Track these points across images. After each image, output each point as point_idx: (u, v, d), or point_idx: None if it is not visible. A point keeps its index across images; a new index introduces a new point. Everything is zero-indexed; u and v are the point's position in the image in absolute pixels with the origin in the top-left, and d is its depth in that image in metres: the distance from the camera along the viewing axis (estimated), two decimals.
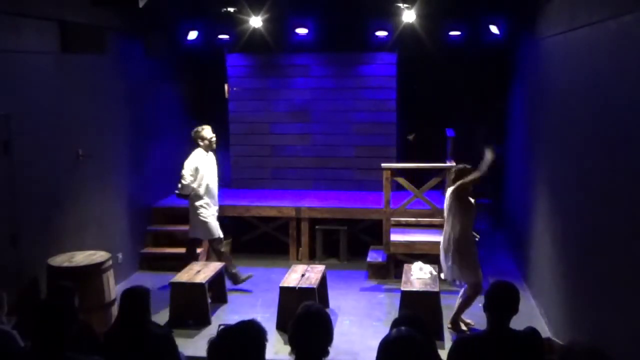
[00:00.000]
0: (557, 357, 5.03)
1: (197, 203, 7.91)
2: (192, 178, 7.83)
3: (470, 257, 6.58)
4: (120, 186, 8.41)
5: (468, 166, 6.68)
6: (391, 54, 9.93)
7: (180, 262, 8.04)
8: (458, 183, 6.55)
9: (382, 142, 10.13)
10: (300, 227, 9.30)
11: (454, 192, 6.56)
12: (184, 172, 7.85)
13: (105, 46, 7.71)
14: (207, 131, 7.95)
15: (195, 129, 7.99)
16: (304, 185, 10.30)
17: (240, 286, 8.05)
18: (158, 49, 9.20)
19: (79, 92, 7.41)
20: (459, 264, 6.58)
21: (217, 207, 8.18)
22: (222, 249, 8.14)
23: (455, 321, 6.68)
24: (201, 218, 7.92)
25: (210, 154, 8.03)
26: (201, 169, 7.86)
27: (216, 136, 8.09)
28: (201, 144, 7.92)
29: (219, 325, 2.81)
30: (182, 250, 9.08)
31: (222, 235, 8.10)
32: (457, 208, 6.53)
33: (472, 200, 6.65)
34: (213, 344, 2.75)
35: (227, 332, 2.75)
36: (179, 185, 7.88)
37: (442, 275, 6.93)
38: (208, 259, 9.03)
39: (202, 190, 7.89)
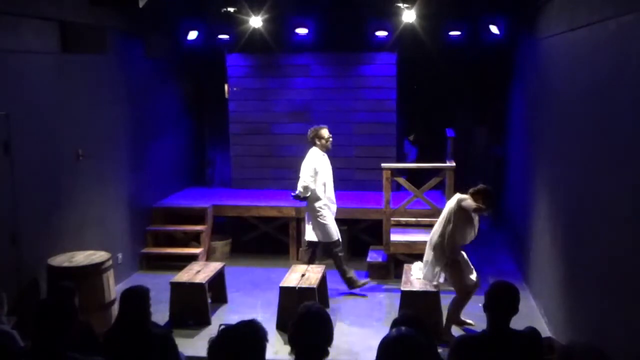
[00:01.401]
0: (557, 357, 5.04)
1: (317, 205, 7.77)
2: (312, 179, 7.71)
3: (454, 264, 6.52)
4: (120, 186, 8.41)
5: (487, 188, 6.49)
6: (391, 54, 9.93)
7: (181, 263, 8.03)
8: (467, 202, 6.40)
9: (382, 142, 10.13)
10: (300, 227, 9.30)
11: (459, 203, 6.48)
12: (303, 173, 7.72)
13: (105, 46, 7.70)
14: (324, 131, 7.84)
15: (313, 128, 7.88)
16: None
17: (356, 291, 7.89)
18: (158, 49, 9.20)
19: (79, 92, 7.41)
20: (443, 269, 6.57)
21: (335, 207, 8.02)
22: (340, 253, 7.90)
23: (447, 331, 6.52)
24: (320, 220, 7.77)
25: (325, 154, 7.91)
26: (319, 169, 7.76)
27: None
28: (318, 143, 7.82)
29: (220, 325, 2.81)
30: (182, 250, 9.12)
31: (340, 239, 7.91)
32: (458, 217, 6.48)
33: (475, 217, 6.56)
34: (214, 344, 2.74)
35: (228, 332, 2.75)
36: (300, 188, 7.72)
37: (421, 275, 6.86)
38: (208, 258, 9.04)
39: (320, 191, 7.77)
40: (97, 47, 7.56)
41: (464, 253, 6.73)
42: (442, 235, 6.56)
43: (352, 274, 7.92)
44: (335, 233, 7.84)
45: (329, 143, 7.88)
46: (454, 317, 6.65)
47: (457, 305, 6.62)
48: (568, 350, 5.21)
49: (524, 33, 8.63)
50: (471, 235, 6.60)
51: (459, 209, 6.46)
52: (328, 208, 7.84)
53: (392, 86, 10.02)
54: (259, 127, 10.41)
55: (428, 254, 6.75)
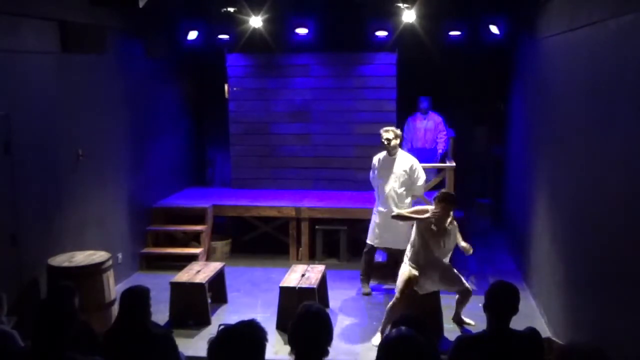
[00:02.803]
0: (557, 357, 5.03)
1: (375, 204, 7.91)
2: (372, 176, 7.90)
3: (407, 267, 6.40)
4: (120, 186, 8.41)
5: (440, 194, 6.48)
6: (391, 54, 9.93)
7: (181, 263, 8.00)
8: (416, 209, 6.53)
9: None
10: (300, 227, 9.30)
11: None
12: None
13: (105, 46, 7.70)
14: (383, 132, 7.70)
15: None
16: (304, 185, 10.30)
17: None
18: (158, 49, 9.20)
19: (79, 92, 7.40)
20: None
21: (388, 211, 7.51)
22: (371, 259, 7.99)
23: (384, 330, 6.27)
24: (372, 218, 7.89)
25: (398, 156, 7.71)
26: (376, 168, 7.81)
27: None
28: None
29: (219, 325, 2.81)
30: (182, 250, 9.12)
31: (373, 245, 7.85)
32: (417, 225, 6.45)
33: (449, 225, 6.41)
34: (213, 344, 2.74)
35: (227, 332, 2.75)
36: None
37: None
38: (208, 258, 9.04)
39: (376, 191, 7.84)
40: (97, 47, 7.56)
41: (448, 264, 6.55)
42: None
43: (364, 278, 7.96)
44: (370, 237, 7.85)
45: (386, 144, 7.66)
46: (389, 318, 6.27)
47: (392, 308, 6.31)
48: (568, 350, 5.21)
49: (524, 33, 8.63)
50: (436, 248, 6.35)
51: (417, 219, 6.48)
52: (375, 211, 7.81)
53: (392, 86, 10.01)
54: (258, 127, 10.41)
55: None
